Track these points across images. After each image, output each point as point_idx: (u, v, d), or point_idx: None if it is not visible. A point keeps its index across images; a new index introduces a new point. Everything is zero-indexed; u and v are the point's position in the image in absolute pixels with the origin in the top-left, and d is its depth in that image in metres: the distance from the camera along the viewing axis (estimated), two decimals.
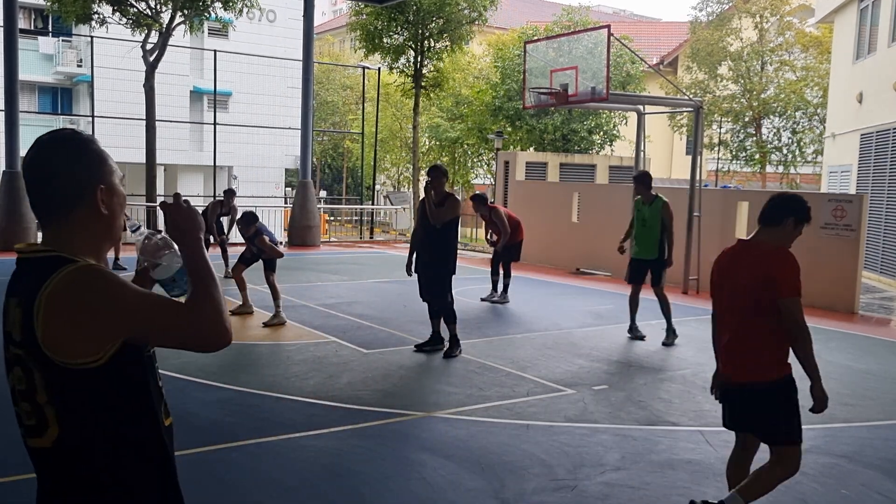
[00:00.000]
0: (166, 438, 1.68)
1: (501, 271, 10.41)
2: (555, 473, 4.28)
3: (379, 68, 23.45)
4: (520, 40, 23.45)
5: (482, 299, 10.28)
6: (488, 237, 10.85)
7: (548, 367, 6.74)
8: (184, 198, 1.72)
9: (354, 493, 4.02)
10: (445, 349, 7.04)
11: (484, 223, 11.00)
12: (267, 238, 8.48)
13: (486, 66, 29.50)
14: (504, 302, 10.07)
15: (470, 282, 11.89)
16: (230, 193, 11.82)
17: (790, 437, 3.48)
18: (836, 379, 6.70)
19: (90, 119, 20.10)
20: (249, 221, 8.60)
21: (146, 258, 1.77)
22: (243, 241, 9.01)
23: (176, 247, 1.73)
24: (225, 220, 12.07)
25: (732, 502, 3.43)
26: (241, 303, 8.87)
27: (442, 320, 7.12)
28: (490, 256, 11.24)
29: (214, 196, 21.88)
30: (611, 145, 25.37)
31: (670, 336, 8.01)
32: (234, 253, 11.09)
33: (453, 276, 7.17)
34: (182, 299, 1.67)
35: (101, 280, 1.55)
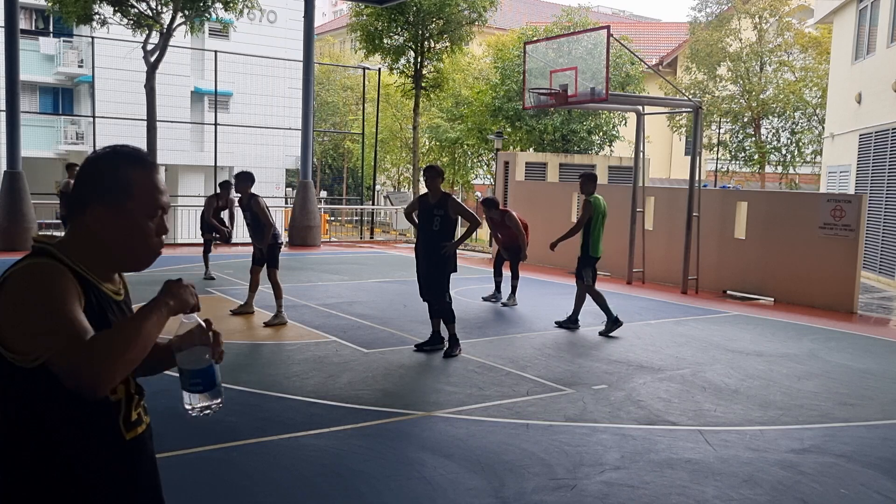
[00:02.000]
0: (122, 453, 1.62)
1: (506, 272, 10.39)
2: (554, 472, 4.29)
3: (379, 69, 23.47)
4: (519, 41, 23.46)
5: (483, 298, 10.29)
6: (496, 238, 10.66)
7: (547, 367, 6.76)
8: (187, 282, 1.71)
9: (354, 492, 4.04)
10: (445, 349, 7.04)
11: (488, 226, 10.93)
12: (268, 213, 8.43)
13: (486, 66, 29.53)
14: (513, 304, 10.04)
15: (470, 282, 11.90)
16: (227, 185, 11.63)
17: None
18: (835, 379, 6.73)
19: (91, 119, 20.10)
20: (248, 179, 8.41)
21: (179, 340, 1.70)
22: (243, 218, 8.80)
23: (208, 347, 1.70)
24: (225, 216, 11.99)
25: None
26: (243, 302, 8.88)
27: (441, 320, 7.12)
28: (491, 257, 11.27)
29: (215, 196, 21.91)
30: (610, 146, 25.39)
31: (568, 323, 8.60)
32: (235, 254, 11.18)
33: (452, 276, 7.17)
34: (199, 398, 1.66)
35: (40, 278, 1.51)
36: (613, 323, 8.29)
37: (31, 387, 1.51)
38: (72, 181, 12.71)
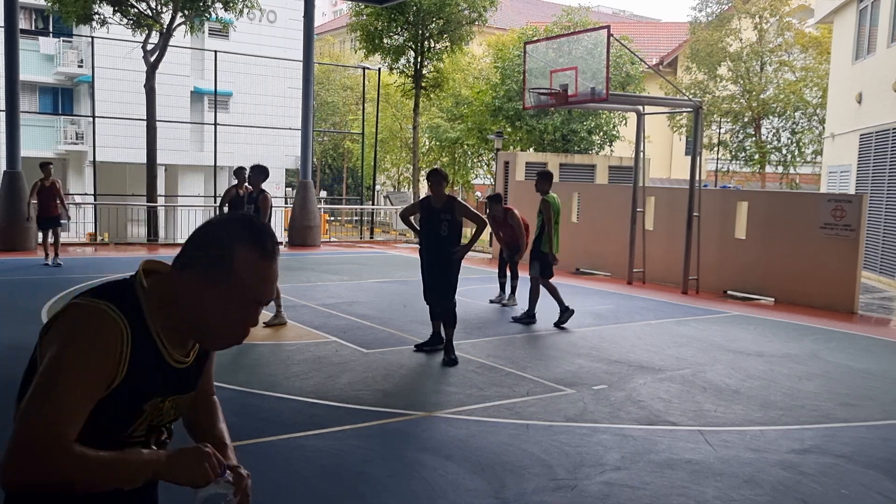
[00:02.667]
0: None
1: (508, 273, 10.39)
2: (554, 473, 4.29)
3: (379, 69, 23.47)
4: (519, 41, 23.46)
5: (491, 301, 10.27)
6: (498, 237, 10.70)
7: (548, 367, 6.75)
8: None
9: (354, 493, 4.03)
10: (443, 358, 6.80)
11: (490, 225, 10.92)
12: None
13: (486, 66, 29.52)
14: (513, 304, 10.06)
15: (472, 282, 11.89)
16: (241, 171, 11.49)
17: None
18: (835, 379, 6.72)
19: (91, 119, 20.10)
20: (263, 173, 8.43)
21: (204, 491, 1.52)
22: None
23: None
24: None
25: None
26: None
27: (442, 323, 6.99)
28: (492, 257, 11.26)
29: (215, 196, 21.89)
30: (610, 146, 25.39)
31: (522, 314, 8.90)
32: None
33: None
34: None
35: (80, 318, 1.45)
36: (530, 317, 8.77)
37: None
38: (46, 181, 12.45)
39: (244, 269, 1.52)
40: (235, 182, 11.32)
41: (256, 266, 1.54)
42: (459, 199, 7.42)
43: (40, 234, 13.27)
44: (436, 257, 6.94)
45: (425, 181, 7.25)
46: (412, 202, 7.37)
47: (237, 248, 1.53)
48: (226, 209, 11.44)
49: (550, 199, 8.75)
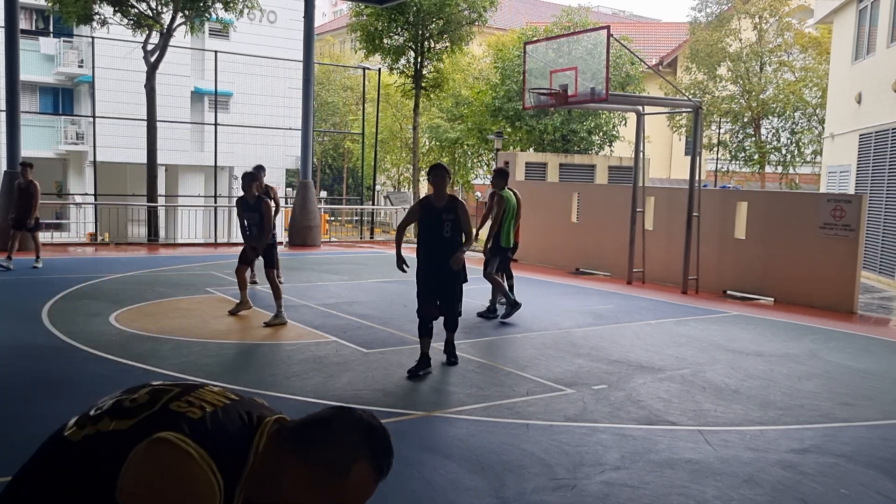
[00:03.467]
0: None
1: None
2: (554, 473, 4.29)
3: (379, 69, 23.48)
4: (519, 41, 23.47)
5: (499, 303, 10.27)
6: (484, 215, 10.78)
7: (547, 367, 6.76)
8: None
9: None
10: (449, 360, 6.68)
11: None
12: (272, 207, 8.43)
13: (486, 66, 29.53)
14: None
15: (471, 282, 11.89)
16: (259, 170, 11.52)
17: None
18: (835, 379, 6.73)
19: (91, 119, 20.11)
20: (249, 178, 8.41)
21: None
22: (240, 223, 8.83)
23: None
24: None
25: None
26: (238, 301, 8.87)
27: (444, 327, 6.66)
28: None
29: (215, 196, 21.91)
30: (610, 146, 25.40)
31: (486, 312, 9.02)
32: (235, 254, 11.13)
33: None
34: None
35: (172, 470, 1.44)
36: (491, 311, 8.93)
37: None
38: (25, 182, 12.20)
39: (357, 485, 1.55)
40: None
41: (368, 485, 1.57)
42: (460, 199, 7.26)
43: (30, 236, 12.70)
44: (442, 262, 6.48)
45: (427, 178, 6.85)
46: (411, 203, 7.06)
47: (361, 463, 1.55)
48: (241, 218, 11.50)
49: (506, 195, 8.94)
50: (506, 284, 10.28)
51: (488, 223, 9.89)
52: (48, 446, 1.58)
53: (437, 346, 6.77)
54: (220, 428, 1.52)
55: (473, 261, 15.98)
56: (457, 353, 6.81)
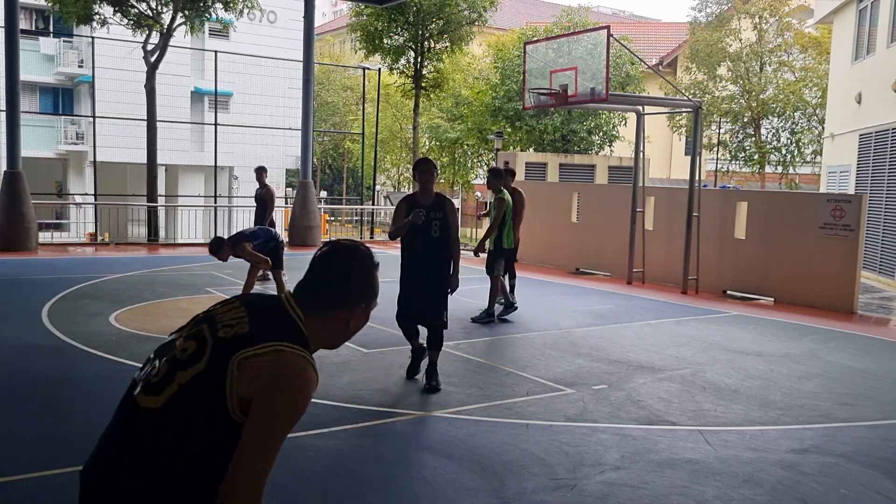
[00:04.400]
0: None
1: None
2: (554, 473, 4.29)
3: (379, 69, 23.48)
4: (519, 41, 23.47)
5: (498, 303, 10.26)
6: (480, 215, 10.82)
7: (547, 367, 6.76)
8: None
9: (355, 492, 4.04)
10: (430, 384, 5.92)
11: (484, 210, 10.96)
12: (250, 245, 8.34)
13: (486, 66, 29.53)
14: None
15: (471, 282, 11.90)
16: (261, 171, 11.71)
17: None
18: (835, 379, 6.73)
19: (91, 119, 20.11)
20: (219, 247, 8.21)
21: None
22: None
23: None
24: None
25: None
26: None
27: (427, 345, 6.09)
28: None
29: (215, 196, 21.91)
30: (610, 146, 25.40)
31: (482, 315, 8.80)
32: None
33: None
34: None
35: (302, 383, 1.75)
36: (489, 315, 8.79)
37: (230, 441, 1.68)
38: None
39: (376, 286, 1.95)
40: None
41: (378, 279, 1.97)
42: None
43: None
44: (429, 265, 6.00)
45: (412, 173, 6.38)
46: (397, 212, 6.15)
47: (376, 275, 1.96)
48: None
49: (506, 198, 8.84)
50: (508, 283, 10.30)
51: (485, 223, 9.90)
52: (133, 428, 1.72)
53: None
54: (272, 326, 1.79)
55: (470, 260, 15.99)
56: (437, 378, 5.96)
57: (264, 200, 11.62)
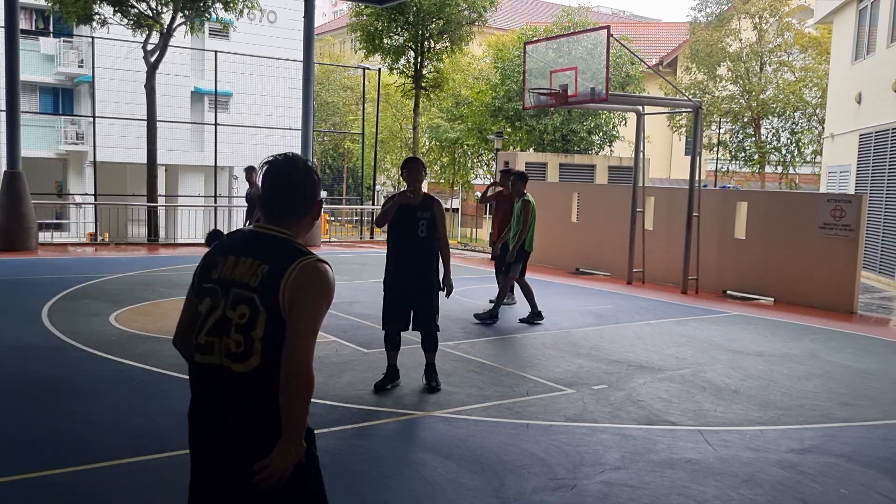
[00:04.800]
0: None
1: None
2: (554, 472, 4.29)
3: (379, 69, 23.48)
4: (519, 41, 23.46)
5: (491, 301, 10.25)
6: (495, 215, 10.64)
7: (547, 367, 6.76)
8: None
9: (355, 492, 4.04)
10: (430, 385, 5.95)
11: (494, 217, 10.85)
12: None
13: (486, 66, 29.52)
14: (512, 303, 10.07)
15: (471, 282, 11.91)
16: (251, 171, 11.79)
17: None
18: (835, 379, 6.73)
19: (91, 119, 20.11)
20: (215, 238, 8.44)
21: None
22: None
23: None
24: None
25: None
26: None
27: (423, 348, 6.05)
28: (490, 258, 11.26)
29: (215, 196, 21.91)
30: (610, 146, 25.39)
31: (486, 315, 8.77)
32: None
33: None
34: None
35: (327, 280, 2.16)
36: (536, 316, 8.79)
37: (283, 333, 2.10)
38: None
39: (318, 177, 2.36)
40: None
41: (319, 185, 2.37)
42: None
43: None
44: (416, 265, 5.86)
45: (401, 172, 6.06)
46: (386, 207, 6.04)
47: (313, 169, 2.30)
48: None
49: (531, 200, 8.86)
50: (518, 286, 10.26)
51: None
52: (235, 392, 2.11)
53: (415, 352, 6.74)
54: (281, 254, 2.18)
55: (471, 260, 15.97)
56: (437, 377, 6.00)
57: (254, 200, 11.67)
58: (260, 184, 2.25)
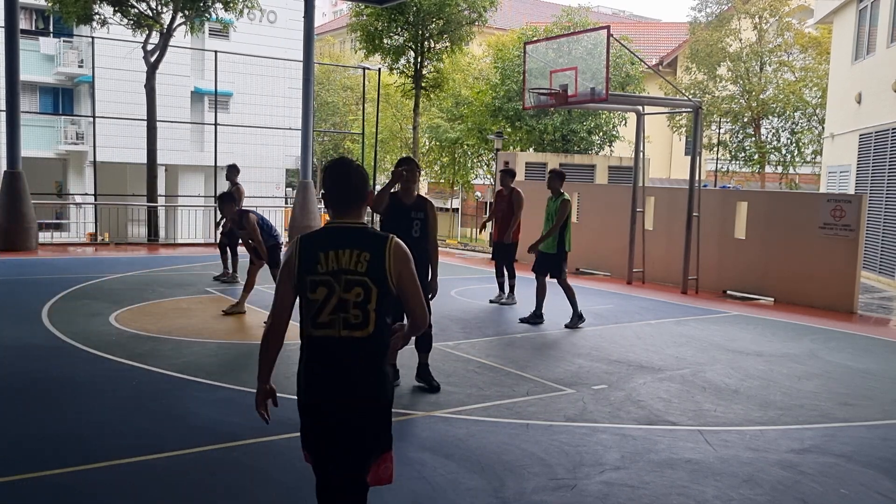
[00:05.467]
0: None
1: (506, 272, 10.38)
2: (554, 472, 4.29)
3: (379, 69, 23.48)
4: (519, 41, 23.47)
5: (491, 301, 10.26)
6: (494, 214, 10.64)
7: (547, 367, 6.76)
8: None
9: None
10: (431, 385, 5.97)
11: (493, 212, 10.85)
12: (257, 226, 8.47)
13: (486, 66, 29.53)
14: (512, 303, 10.06)
15: (472, 282, 11.91)
16: (233, 170, 11.58)
17: None
18: (835, 379, 6.73)
19: (91, 119, 20.11)
20: (230, 199, 8.44)
21: None
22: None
23: None
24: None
25: None
26: (236, 301, 8.85)
27: (416, 347, 6.01)
28: (490, 257, 11.25)
29: (215, 196, 21.89)
30: (610, 146, 25.40)
31: (574, 320, 8.65)
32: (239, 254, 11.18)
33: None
34: None
35: (406, 249, 2.74)
36: (579, 318, 8.66)
37: (392, 301, 2.73)
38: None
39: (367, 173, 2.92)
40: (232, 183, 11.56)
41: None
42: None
43: None
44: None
45: (398, 167, 5.80)
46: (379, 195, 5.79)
47: (366, 174, 2.86)
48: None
49: (569, 199, 8.71)
50: (508, 282, 10.28)
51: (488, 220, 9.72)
52: (356, 352, 2.70)
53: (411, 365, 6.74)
54: (372, 240, 2.74)
55: (471, 260, 15.97)
56: (432, 376, 5.95)
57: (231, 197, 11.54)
58: (323, 185, 2.83)
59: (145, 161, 18.49)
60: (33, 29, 30.14)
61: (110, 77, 23.48)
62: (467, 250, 20.15)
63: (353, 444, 2.73)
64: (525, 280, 10.91)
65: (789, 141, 28.97)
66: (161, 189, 22.29)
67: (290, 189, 32.08)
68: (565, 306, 10.21)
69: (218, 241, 11.66)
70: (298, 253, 2.72)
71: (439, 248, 6.24)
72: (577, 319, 8.65)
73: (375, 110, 25.04)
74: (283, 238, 17.98)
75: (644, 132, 13.03)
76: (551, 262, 8.71)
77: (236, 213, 8.63)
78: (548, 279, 8.83)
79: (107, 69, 22.11)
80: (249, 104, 30.01)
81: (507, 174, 10.42)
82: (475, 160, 30.56)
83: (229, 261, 11.21)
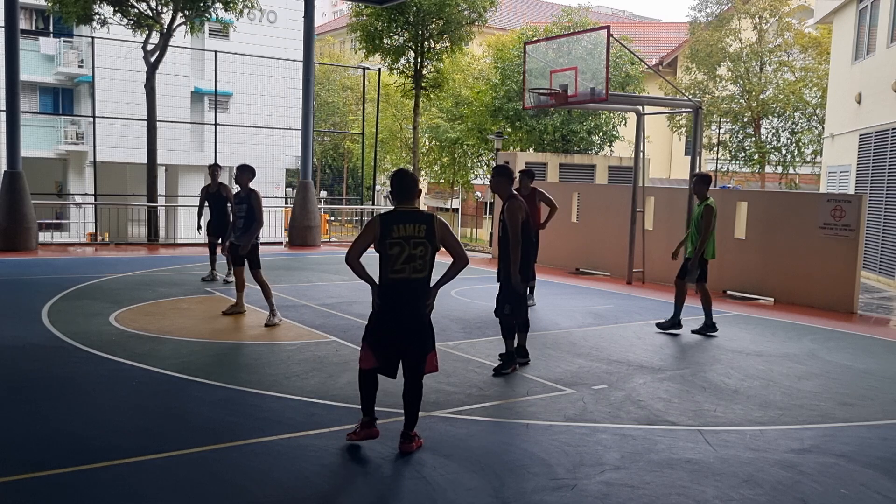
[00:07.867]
0: None
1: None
2: (554, 473, 4.30)
3: (379, 69, 23.49)
4: (519, 41, 23.47)
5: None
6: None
7: (548, 367, 6.76)
8: None
9: (355, 492, 4.04)
10: (526, 359, 6.56)
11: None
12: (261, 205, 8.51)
13: (486, 66, 29.54)
14: (531, 305, 9.95)
15: (472, 282, 11.91)
16: (215, 168, 11.49)
17: None
18: (835, 378, 6.73)
19: (91, 119, 20.11)
20: (249, 171, 8.62)
21: None
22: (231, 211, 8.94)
23: None
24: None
25: None
26: (234, 302, 8.86)
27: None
28: (492, 257, 11.22)
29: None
30: (610, 146, 25.40)
31: (703, 329, 8.52)
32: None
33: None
34: None
35: (445, 223, 4.55)
36: (709, 327, 8.47)
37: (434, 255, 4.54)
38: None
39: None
40: (210, 181, 11.56)
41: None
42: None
43: None
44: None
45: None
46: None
47: (418, 178, 4.73)
48: (205, 205, 11.60)
49: (714, 204, 8.37)
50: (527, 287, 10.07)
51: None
52: (418, 289, 4.54)
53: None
54: (426, 218, 4.53)
55: (471, 260, 15.91)
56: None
57: (215, 196, 11.47)
58: (390, 187, 4.55)
59: (145, 161, 18.49)
60: (33, 29, 30.14)
61: (110, 77, 23.50)
62: (467, 250, 20.12)
63: (418, 335, 4.51)
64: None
65: (789, 141, 28.98)
66: (161, 189, 22.30)
67: (290, 189, 32.08)
68: (564, 305, 10.22)
69: (207, 241, 11.66)
70: (379, 225, 4.37)
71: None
72: (706, 328, 8.46)
73: (375, 110, 25.05)
74: (284, 239, 18.01)
75: (644, 132, 13.03)
76: (695, 268, 8.42)
77: (247, 188, 8.69)
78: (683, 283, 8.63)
79: (107, 69, 22.13)
80: (249, 104, 30.01)
81: (527, 175, 10.06)
82: (475, 160, 30.57)
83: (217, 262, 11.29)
